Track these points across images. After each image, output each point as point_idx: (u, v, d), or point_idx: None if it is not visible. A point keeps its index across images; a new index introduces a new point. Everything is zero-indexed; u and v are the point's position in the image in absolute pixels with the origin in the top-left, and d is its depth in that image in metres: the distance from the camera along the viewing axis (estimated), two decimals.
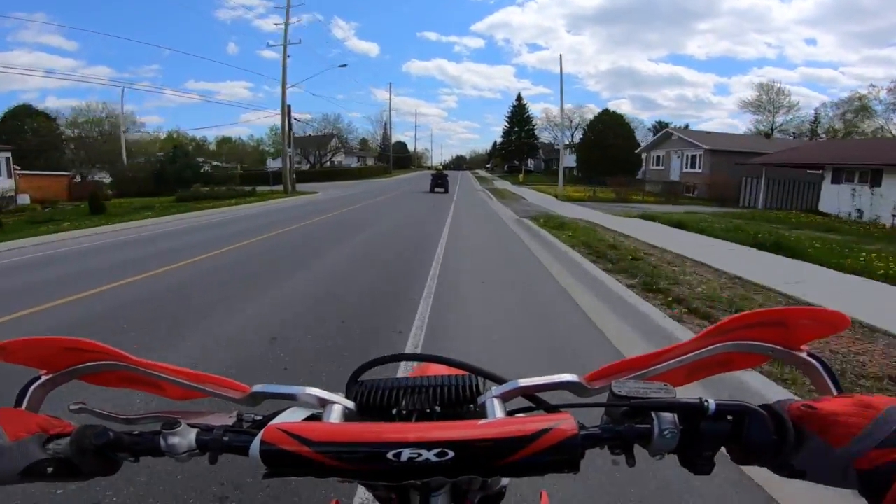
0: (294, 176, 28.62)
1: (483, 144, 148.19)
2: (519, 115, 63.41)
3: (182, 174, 27.18)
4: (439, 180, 25.27)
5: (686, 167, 27.67)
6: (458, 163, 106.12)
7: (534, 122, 63.03)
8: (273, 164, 45.25)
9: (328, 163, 55.54)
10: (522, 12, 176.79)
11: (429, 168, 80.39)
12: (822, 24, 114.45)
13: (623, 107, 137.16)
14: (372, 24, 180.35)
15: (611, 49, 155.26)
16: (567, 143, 46.03)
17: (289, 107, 27.12)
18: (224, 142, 60.24)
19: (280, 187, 26.41)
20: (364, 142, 75.83)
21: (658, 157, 31.36)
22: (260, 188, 26.26)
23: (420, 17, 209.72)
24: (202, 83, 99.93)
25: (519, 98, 66.20)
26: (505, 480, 0.70)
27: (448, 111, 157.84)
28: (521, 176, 40.98)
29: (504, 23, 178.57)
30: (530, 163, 63.25)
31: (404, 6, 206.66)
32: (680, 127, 40.53)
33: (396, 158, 75.70)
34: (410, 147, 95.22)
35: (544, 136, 61.65)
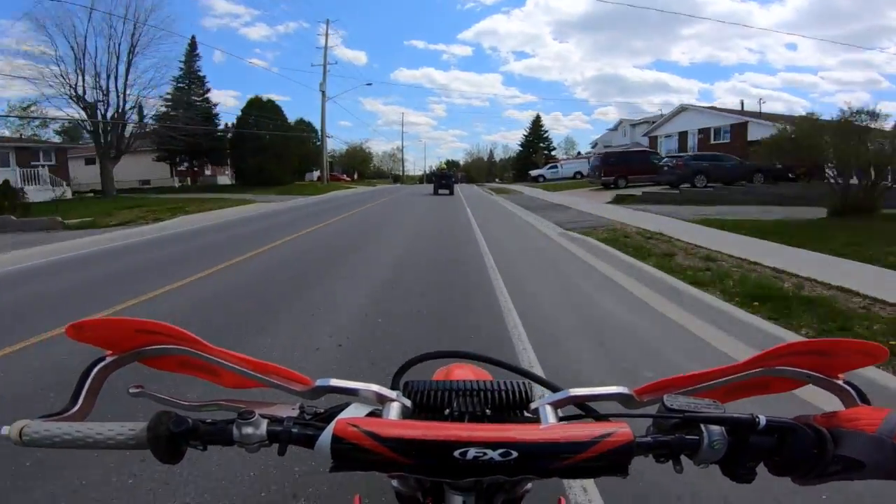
0: None
1: (475, 150, 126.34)
2: None
3: None
4: (443, 181, 23.50)
5: None
6: (448, 169, 43.10)
7: None
8: None
9: None
10: (508, 20, 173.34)
11: (398, 180, 65.97)
12: (802, 29, 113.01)
13: (610, 114, 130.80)
14: (359, 32, 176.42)
15: (597, 56, 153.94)
16: None
17: None
18: None
19: None
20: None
21: None
22: None
23: (407, 25, 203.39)
24: None
25: None
26: (528, 485, 0.71)
27: (437, 120, 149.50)
28: None
29: (490, 30, 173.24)
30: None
31: (391, 14, 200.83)
32: None
33: (273, 156, 29.87)
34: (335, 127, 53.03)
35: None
